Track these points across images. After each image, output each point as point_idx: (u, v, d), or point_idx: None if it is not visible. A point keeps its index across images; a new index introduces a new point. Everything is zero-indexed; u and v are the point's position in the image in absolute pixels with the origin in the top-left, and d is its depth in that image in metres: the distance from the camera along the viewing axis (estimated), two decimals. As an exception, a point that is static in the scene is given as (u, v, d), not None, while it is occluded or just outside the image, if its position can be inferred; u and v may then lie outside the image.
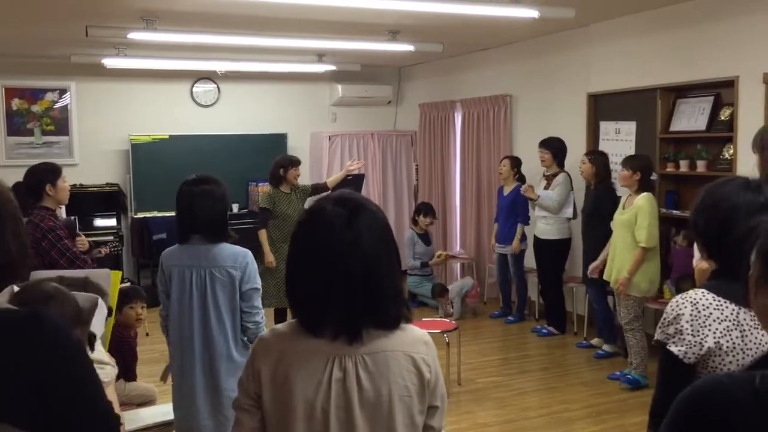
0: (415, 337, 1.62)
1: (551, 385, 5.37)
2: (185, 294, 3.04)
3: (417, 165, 9.36)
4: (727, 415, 1.14)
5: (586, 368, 5.73)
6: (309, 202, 6.13)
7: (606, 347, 5.95)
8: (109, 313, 1.87)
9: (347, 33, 6.38)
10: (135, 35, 5.80)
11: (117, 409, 1.60)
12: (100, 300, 1.82)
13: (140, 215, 8.23)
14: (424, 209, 7.98)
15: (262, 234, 5.93)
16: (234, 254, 3.04)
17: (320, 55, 7.76)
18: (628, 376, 5.19)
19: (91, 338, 1.75)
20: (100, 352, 1.77)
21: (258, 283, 3.08)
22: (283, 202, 5.98)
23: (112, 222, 8.23)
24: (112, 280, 2.24)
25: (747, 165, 4.92)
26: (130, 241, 8.40)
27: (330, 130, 9.19)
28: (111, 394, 1.71)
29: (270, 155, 8.71)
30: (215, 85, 8.87)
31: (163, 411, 3.40)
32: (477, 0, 5.02)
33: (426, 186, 9.12)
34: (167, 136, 8.42)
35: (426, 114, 9.04)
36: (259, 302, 3.08)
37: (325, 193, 4.73)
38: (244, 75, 8.63)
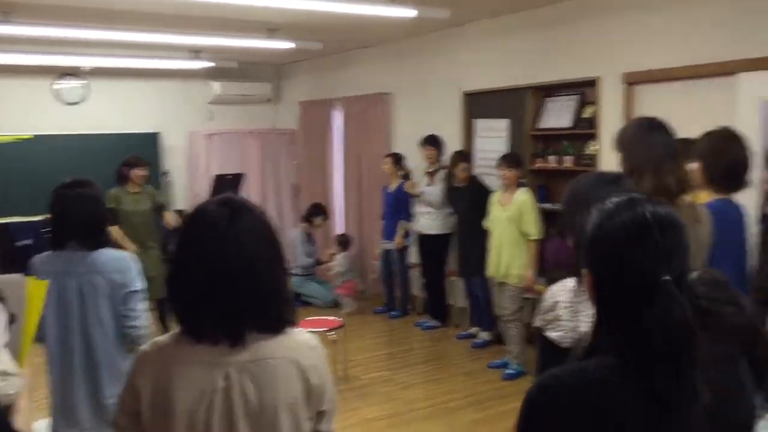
0: (301, 342, 1.61)
1: (435, 377, 5.50)
2: (63, 302, 2.87)
3: (297, 163, 9.31)
4: (568, 401, 1.23)
5: (467, 358, 5.91)
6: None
7: (483, 335, 6.17)
8: (11, 320, 1.70)
9: (224, 29, 6.24)
10: (-9, 28, 5.40)
11: (25, 422, 1.50)
12: None
13: (2, 220, 7.68)
14: (318, 209, 8.00)
15: (114, 230, 5.70)
16: (113, 258, 2.90)
17: (196, 52, 7.55)
18: (509, 371, 5.40)
19: None
20: (2, 362, 1.62)
21: (138, 286, 2.95)
22: (128, 201, 5.96)
23: (-31, 228, 7.63)
24: (29, 289, 2.03)
25: (609, 160, 5.26)
26: (-9, 249, 7.81)
27: (208, 128, 8.96)
28: (21, 407, 1.58)
29: (144, 155, 8.40)
30: (82, 82, 8.41)
31: (41, 426, 3.19)
32: (355, -1, 5.06)
33: (307, 185, 9.08)
34: (31, 136, 7.91)
35: (306, 112, 9.00)
36: (139, 305, 2.94)
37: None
38: (114, 71, 8.25)
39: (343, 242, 7.82)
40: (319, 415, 1.62)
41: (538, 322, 1.94)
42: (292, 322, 1.61)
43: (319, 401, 1.61)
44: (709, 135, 2.93)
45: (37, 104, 8.15)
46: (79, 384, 2.90)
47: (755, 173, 3.31)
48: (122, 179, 6.04)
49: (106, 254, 2.90)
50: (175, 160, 8.92)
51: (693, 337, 1.17)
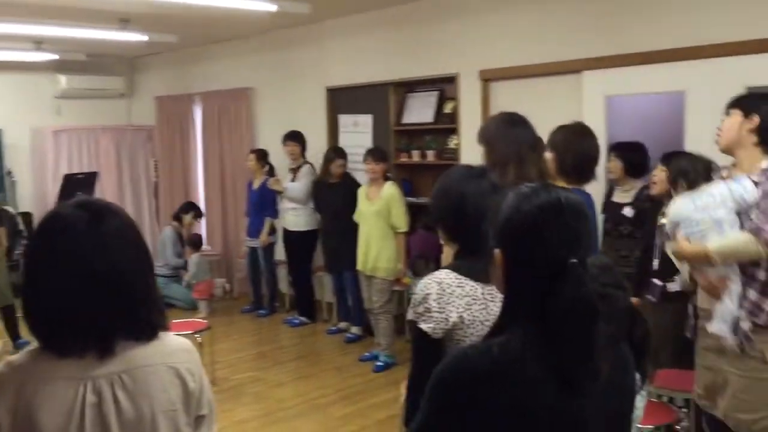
0: (175, 347, 1.54)
1: (306, 373, 5.48)
2: None
3: (156, 161, 8.93)
4: (474, 381, 1.28)
5: (337, 353, 5.93)
6: None
7: (355, 329, 6.22)
8: None
9: (70, 19, 5.86)
10: None
11: None
12: None
13: None
14: (190, 207, 7.71)
15: None
16: None
17: (38, 43, 7.04)
18: (379, 363, 5.47)
19: None
20: None
21: None
22: None
23: None
24: None
25: (470, 154, 5.46)
26: None
27: (55, 124, 8.38)
28: None
29: (-18, 154, 7.80)
30: None
31: None
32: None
33: (167, 182, 8.74)
34: None
35: (163, 107, 8.66)
36: None
37: None
38: (-57, 62, 7.53)
39: (195, 243, 7.52)
40: (198, 420, 1.57)
41: (410, 315, 1.97)
42: (164, 327, 1.54)
43: (198, 406, 1.56)
44: (562, 128, 3.10)
45: None
46: None
47: (601, 165, 3.56)
48: None
49: None
50: (18, 159, 8.27)
51: (597, 318, 1.25)
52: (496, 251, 1.35)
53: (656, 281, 3.63)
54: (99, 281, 1.41)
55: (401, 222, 5.42)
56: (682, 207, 2.78)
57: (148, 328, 1.49)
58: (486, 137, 2.60)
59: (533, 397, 1.26)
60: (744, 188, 2.64)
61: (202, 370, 1.59)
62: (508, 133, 2.53)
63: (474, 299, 1.92)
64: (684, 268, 2.81)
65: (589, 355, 1.24)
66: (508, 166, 2.43)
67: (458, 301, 1.91)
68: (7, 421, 1.39)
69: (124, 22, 6.02)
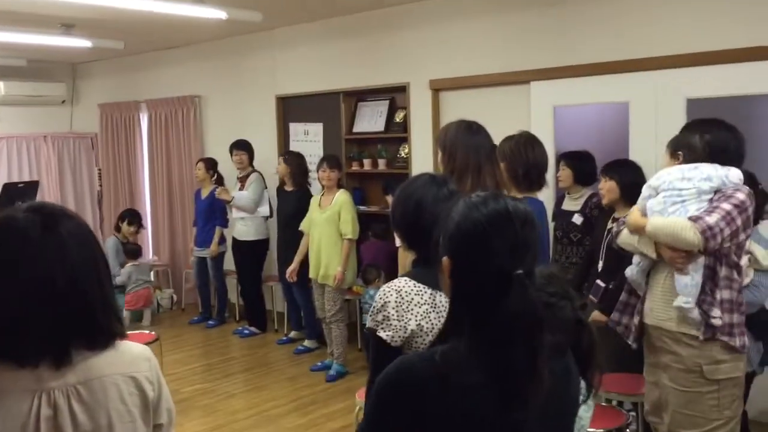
0: (134, 355, 1.51)
1: (257, 384, 5.41)
2: None
3: (99, 170, 8.72)
4: (416, 387, 1.29)
5: (288, 364, 5.88)
6: None
7: (308, 343, 6.16)
8: None
9: (11, 23, 5.68)
10: None
11: None
12: None
13: None
14: (129, 216, 7.48)
15: None
16: None
17: (-25, 47, 6.81)
18: (332, 373, 5.43)
19: None
20: None
21: None
22: None
23: None
24: None
25: (421, 162, 5.51)
26: None
27: (-7, 132, 8.11)
28: None
29: None
30: None
31: None
32: (161, -3, 4.83)
33: (111, 191, 8.54)
34: None
35: (107, 115, 8.46)
36: None
37: None
38: None
39: (131, 252, 7.23)
40: (156, 429, 1.54)
41: (369, 323, 1.96)
42: (121, 335, 1.50)
43: (156, 415, 1.53)
44: (510, 138, 3.16)
45: None
46: None
47: (550, 174, 3.63)
48: None
49: None
50: (-47, 168, 7.97)
51: (541, 328, 1.26)
52: (444, 258, 1.36)
53: (599, 282, 3.71)
54: (53, 288, 1.37)
55: (349, 229, 5.40)
56: (671, 174, 2.75)
57: (105, 336, 1.45)
58: (445, 144, 2.60)
59: (474, 406, 1.27)
60: (728, 172, 2.68)
61: (162, 378, 1.56)
62: (468, 140, 2.54)
63: (432, 307, 1.93)
64: (646, 246, 2.77)
65: (533, 365, 1.25)
66: (467, 174, 2.44)
67: (417, 309, 1.92)
68: None
69: (68, 27, 5.87)
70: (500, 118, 4.66)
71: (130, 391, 1.46)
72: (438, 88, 5.52)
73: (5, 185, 7.15)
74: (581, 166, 4.29)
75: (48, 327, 1.37)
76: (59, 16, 5.58)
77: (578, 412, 1.52)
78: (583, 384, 1.48)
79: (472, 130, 2.60)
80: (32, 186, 7.35)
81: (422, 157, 5.59)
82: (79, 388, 1.40)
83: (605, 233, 3.68)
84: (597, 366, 1.47)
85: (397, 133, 5.94)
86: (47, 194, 8.08)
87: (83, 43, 6.25)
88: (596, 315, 3.55)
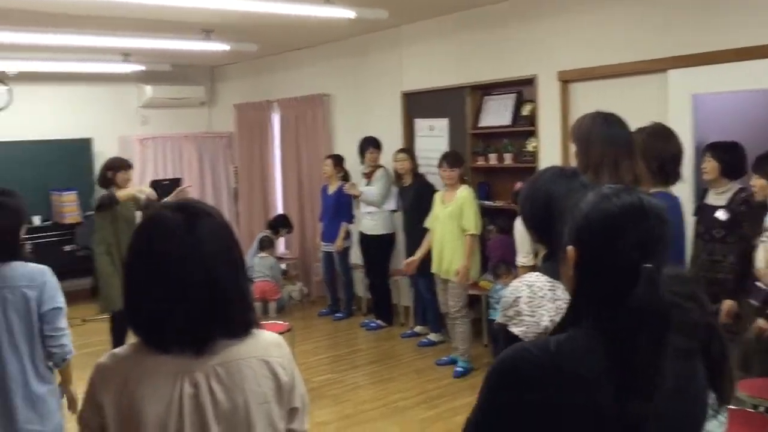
0: (268, 341, 1.59)
1: (384, 377, 5.50)
2: None
3: (236, 167, 9.17)
4: (529, 375, 1.26)
5: (414, 357, 5.93)
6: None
7: (432, 336, 6.20)
8: None
9: (156, 31, 6.08)
10: None
11: None
12: None
13: None
14: (283, 224, 7.86)
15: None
16: (29, 273, 2.74)
17: (126, 54, 7.34)
18: (458, 369, 5.43)
19: None
20: None
21: (60, 302, 2.78)
22: (118, 208, 5.47)
23: None
24: None
25: (549, 156, 5.38)
26: None
27: (140, 133, 8.72)
28: None
29: (74, 162, 8.19)
30: (6, 88, 8.06)
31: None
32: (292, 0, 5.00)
33: (246, 188, 8.95)
34: (-48, 145, 7.53)
35: (242, 115, 8.87)
36: (63, 323, 2.79)
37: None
38: (40, 76, 7.93)
39: (263, 244, 7.53)
40: (291, 413, 1.61)
41: (501, 319, 1.95)
42: (256, 325, 1.59)
43: (290, 399, 1.60)
44: (642, 130, 3.01)
45: (-43, 111, 7.77)
46: None
47: (689, 166, 3.44)
48: (106, 183, 5.50)
49: (21, 267, 2.75)
50: (107, 167, 8.63)
51: (668, 324, 1.22)
52: (569, 248, 1.33)
53: (761, 284, 3.46)
54: (194, 283, 1.46)
55: (471, 224, 5.37)
56: None
57: (241, 327, 1.54)
58: (580, 136, 2.51)
59: (588, 397, 1.23)
60: None
61: (294, 365, 1.63)
62: (604, 133, 2.44)
63: (566, 303, 1.88)
64: None
65: (654, 361, 1.21)
66: (603, 168, 2.35)
67: (549, 304, 1.89)
68: (111, 405, 1.47)
69: (208, 32, 6.21)
70: (634, 109, 4.42)
71: (264, 374, 1.54)
72: (567, 79, 5.37)
73: (152, 182, 7.65)
74: (729, 158, 4.00)
75: (188, 320, 1.47)
76: (200, 22, 5.91)
77: (706, 426, 1.42)
78: (713, 396, 1.40)
79: (608, 122, 2.49)
80: (176, 183, 7.80)
81: (550, 151, 5.46)
82: (218, 368, 1.49)
83: (763, 231, 3.44)
84: (728, 377, 1.39)
85: (524, 126, 5.84)
86: (188, 191, 8.57)
87: (221, 46, 6.58)
88: (761, 323, 3.32)
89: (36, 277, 2.74)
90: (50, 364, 2.82)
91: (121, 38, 6.23)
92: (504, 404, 1.29)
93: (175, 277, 1.46)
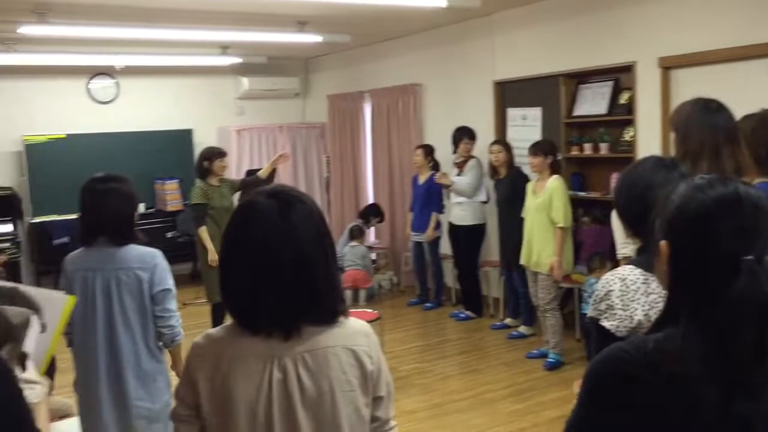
0: (355, 330, 1.61)
1: (473, 368, 5.48)
2: (89, 300, 2.83)
3: (328, 157, 9.32)
4: (627, 375, 1.22)
5: (504, 349, 5.88)
6: (237, 196, 5.97)
7: (523, 328, 6.12)
8: (42, 330, 1.73)
9: (252, 24, 6.25)
10: (27, 29, 5.47)
11: (46, 429, 1.51)
12: (32, 316, 1.68)
13: (38, 219, 7.81)
14: (378, 212, 7.97)
15: (202, 231, 5.62)
16: (141, 255, 2.86)
17: (224, 48, 7.58)
18: (549, 360, 5.35)
19: (23, 358, 1.62)
20: (30, 372, 1.64)
21: (170, 284, 2.90)
22: (215, 195, 5.68)
23: (7, 228, 7.74)
24: (65, 305, 2.01)
25: (647, 146, 5.19)
26: (29, 248, 7.95)
27: (237, 124, 9.00)
28: (41, 414, 1.60)
29: (175, 152, 8.55)
30: (114, 81, 8.50)
31: (74, 424, 3.20)
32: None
33: (338, 178, 9.09)
34: (64, 136, 8.01)
35: (335, 105, 9.00)
36: (172, 304, 2.91)
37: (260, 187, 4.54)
38: (144, 69, 8.32)
39: (354, 233, 7.65)
40: (376, 401, 1.62)
41: (592, 312, 1.90)
42: (344, 313, 1.61)
43: (376, 387, 1.61)
44: (751, 117, 2.85)
45: (70, 104, 8.25)
46: (103, 385, 2.87)
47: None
48: (203, 173, 5.73)
49: (135, 250, 2.86)
50: (206, 157, 8.97)
51: None
52: (662, 243, 1.27)
53: None
54: (285, 267, 1.50)
55: (560, 216, 5.24)
56: None
57: (329, 313, 1.57)
58: (677, 124, 2.41)
59: (691, 397, 1.18)
60: None
61: (381, 354, 1.64)
62: (704, 120, 2.32)
63: (661, 297, 1.82)
64: None
65: (760, 358, 1.15)
66: (702, 157, 2.24)
67: (644, 298, 1.82)
68: (205, 384, 1.53)
69: (302, 24, 6.32)
70: (741, 97, 4.22)
71: (349, 363, 1.56)
72: (668, 66, 5.15)
73: (248, 171, 7.91)
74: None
75: (278, 303, 1.51)
76: (294, 15, 6.03)
77: None
78: None
79: (709, 108, 2.37)
80: (270, 172, 8.03)
81: (649, 140, 5.26)
82: (305, 356, 1.53)
83: None
84: None
85: (621, 115, 5.64)
86: (282, 180, 8.78)
87: (315, 38, 6.69)
88: None
89: (148, 259, 2.86)
90: (160, 344, 2.94)
91: (220, 32, 6.45)
92: (602, 408, 1.25)
93: (268, 261, 1.50)
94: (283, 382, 1.51)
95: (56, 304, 1.94)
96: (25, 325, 1.65)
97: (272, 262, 1.50)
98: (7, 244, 7.14)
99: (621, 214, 1.99)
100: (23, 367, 1.62)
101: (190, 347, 1.62)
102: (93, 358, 2.86)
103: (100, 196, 2.83)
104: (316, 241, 1.55)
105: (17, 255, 7.37)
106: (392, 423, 1.68)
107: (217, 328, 1.62)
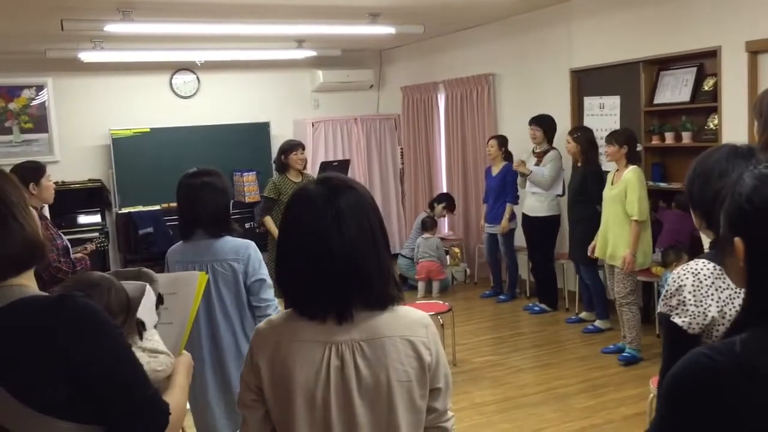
0: (414, 320, 1.61)
1: (546, 362, 5.39)
2: None
3: (402, 148, 9.33)
4: (716, 381, 1.15)
5: (579, 343, 5.75)
6: None
7: (599, 323, 5.97)
8: (160, 301, 1.81)
9: (327, 17, 6.31)
10: (112, 27, 5.70)
11: (177, 400, 1.59)
12: (147, 287, 1.75)
13: (125, 210, 8.15)
14: (446, 201, 7.91)
15: (268, 221, 5.74)
16: (236, 246, 2.95)
17: (300, 41, 7.69)
18: (625, 354, 5.21)
19: (139, 326, 1.70)
20: (152, 341, 1.72)
21: (264, 273, 2.96)
22: (290, 189, 5.65)
23: (96, 218, 8.14)
24: (198, 282, 2.11)
25: (732, 134, 4.96)
26: (116, 237, 8.31)
27: (313, 116, 9.13)
28: (174, 384, 1.68)
29: (253, 145, 8.75)
30: (195, 76, 8.77)
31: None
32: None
33: (411, 169, 9.09)
34: (148, 129, 8.33)
35: (409, 97, 9.00)
36: (269, 293, 2.97)
37: None
38: (223, 64, 8.54)
39: (425, 225, 7.62)
40: (433, 393, 1.62)
41: (662, 308, 1.83)
42: (398, 299, 1.61)
43: (434, 378, 1.61)
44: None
45: (154, 99, 8.56)
46: (208, 372, 2.98)
47: None
48: (281, 166, 5.82)
49: (229, 242, 2.95)
50: (282, 149, 9.14)
51: None
52: (736, 240, 1.20)
53: None
54: (331, 253, 1.52)
55: (634, 209, 5.04)
56: None
57: (381, 299, 1.57)
58: (762, 110, 2.29)
59: None
60: None
61: (439, 345, 1.63)
62: None
63: (736, 292, 1.75)
64: None
65: None
66: (786, 145, 2.13)
67: (717, 294, 1.75)
68: (266, 368, 1.57)
69: (374, 16, 6.34)
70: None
71: (407, 353, 1.56)
72: (756, 50, 4.91)
73: (322, 163, 8.00)
74: None
75: (329, 287, 1.53)
76: (368, 7, 6.05)
77: None
78: None
79: None
80: (344, 164, 8.10)
81: (734, 129, 5.03)
82: (362, 344, 1.54)
83: None
84: None
85: (705, 102, 5.41)
86: (356, 171, 8.87)
87: (387, 30, 6.70)
88: None
89: (241, 250, 2.94)
90: None
91: (295, 26, 6.55)
92: (685, 419, 1.19)
93: (317, 246, 1.53)
94: (341, 369, 1.53)
95: (189, 282, 2.03)
96: (140, 296, 1.73)
97: (321, 247, 1.52)
98: (95, 234, 7.49)
99: (693, 205, 1.91)
100: (140, 337, 1.70)
101: (253, 332, 1.66)
102: (198, 346, 2.96)
103: (195, 190, 2.93)
104: (364, 227, 1.56)
105: (105, 244, 7.72)
106: (449, 414, 1.67)
107: (279, 313, 1.66)
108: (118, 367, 1.39)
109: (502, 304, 7.07)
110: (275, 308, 2.98)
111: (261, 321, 2.91)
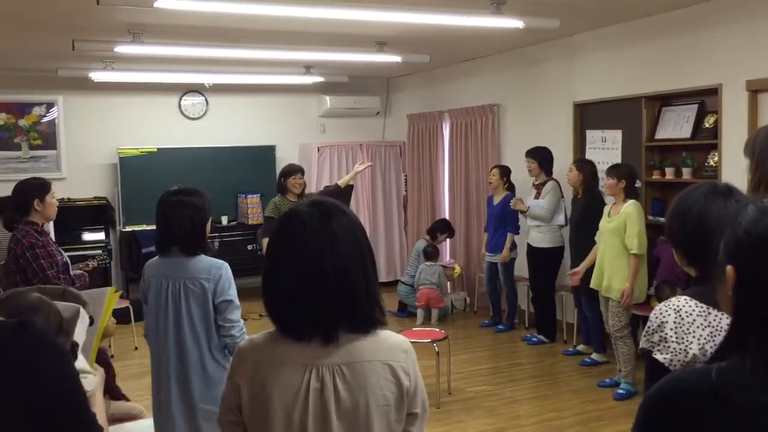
0: (393, 345, 1.63)
1: (542, 393, 5.38)
2: (161, 305, 3.01)
3: (406, 175, 9.39)
4: (690, 407, 1.17)
5: (575, 376, 5.74)
6: None
7: (595, 356, 5.96)
8: (91, 323, 1.86)
9: (334, 44, 6.41)
10: (122, 48, 5.80)
11: (103, 419, 1.61)
12: (81, 309, 1.81)
13: (129, 228, 8.21)
14: (444, 228, 7.96)
15: (265, 241, 5.85)
16: (208, 266, 2.99)
17: (308, 67, 7.79)
18: (620, 391, 5.19)
19: (74, 347, 1.75)
20: (82, 362, 1.77)
21: (233, 295, 3.00)
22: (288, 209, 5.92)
23: (100, 236, 8.20)
24: (108, 296, 2.17)
25: (732, 172, 4.99)
26: (119, 255, 8.36)
27: (319, 141, 9.20)
28: (97, 403, 1.72)
29: (259, 167, 8.82)
30: (203, 98, 8.88)
31: (148, 424, 3.37)
32: (462, 11, 5.05)
33: (415, 196, 9.14)
34: (155, 149, 8.41)
35: (414, 125, 9.07)
36: (235, 314, 3.01)
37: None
38: (232, 87, 8.65)
39: (427, 254, 7.66)
40: (410, 417, 1.63)
41: (643, 344, 1.85)
42: (382, 323, 1.63)
43: (411, 404, 1.62)
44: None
45: (162, 119, 8.66)
46: (173, 385, 3.02)
47: None
48: (280, 188, 6.27)
49: (203, 261, 3.00)
50: (287, 172, 9.21)
51: None
52: (728, 268, 1.23)
53: None
54: (323, 274, 1.54)
55: (635, 243, 5.08)
56: None
57: (366, 322, 1.60)
58: (754, 149, 2.30)
59: (761, 428, 1.12)
60: None
61: (418, 370, 1.65)
62: None
63: (718, 330, 1.76)
64: None
65: None
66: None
67: (699, 331, 1.77)
68: (245, 387, 1.59)
69: (381, 44, 6.43)
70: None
71: (386, 378, 1.58)
72: (757, 89, 4.95)
73: (326, 187, 8.06)
74: None
75: (317, 308, 1.55)
76: (374, 35, 6.14)
77: None
78: None
79: None
80: (348, 189, 8.16)
81: (734, 166, 5.04)
82: (343, 368, 1.56)
83: None
84: None
85: (705, 139, 5.45)
86: (360, 197, 8.92)
87: (394, 58, 6.78)
88: None
89: (213, 270, 2.99)
90: (226, 352, 3.06)
91: (303, 52, 6.64)
92: None
93: (308, 266, 1.55)
94: (320, 391, 1.54)
95: (101, 297, 2.09)
96: (75, 318, 1.77)
97: (312, 268, 1.55)
98: (98, 251, 7.53)
99: (675, 242, 1.93)
100: (75, 357, 1.73)
101: (234, 352, 1.69)
102: (164, 358, 3.03)
103: (173, 208, 2.99)
104: (356, 250, 1.59)
105: (107, 261, 7.76)
106: None
107: (260, 333, 1.67)
108: (73, 398, 1.39)
109: (500, 334, 7.06)
110: (240, 329, 3.02)
111: (225, 340, 2.98)
